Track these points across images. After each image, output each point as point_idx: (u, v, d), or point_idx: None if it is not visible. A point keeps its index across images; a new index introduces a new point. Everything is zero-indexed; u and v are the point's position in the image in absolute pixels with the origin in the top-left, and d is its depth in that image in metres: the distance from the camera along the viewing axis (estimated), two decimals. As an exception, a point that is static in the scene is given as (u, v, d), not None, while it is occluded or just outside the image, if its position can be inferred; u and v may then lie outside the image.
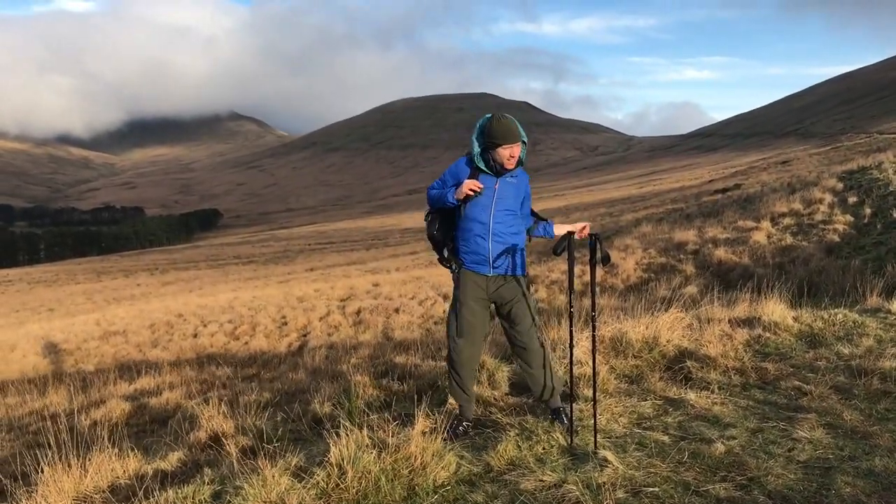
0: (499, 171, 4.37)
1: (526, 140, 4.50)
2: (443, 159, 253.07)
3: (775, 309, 6.68)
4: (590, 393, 4.93)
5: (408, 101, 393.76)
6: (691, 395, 4.76)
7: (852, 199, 20.05)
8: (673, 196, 50.06)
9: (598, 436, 4.18)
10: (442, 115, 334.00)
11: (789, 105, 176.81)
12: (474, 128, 4.44)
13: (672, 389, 5.03)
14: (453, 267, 4.50)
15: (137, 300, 43.78)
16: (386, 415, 5.01)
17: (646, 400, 4.85)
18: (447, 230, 4.53)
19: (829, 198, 21.04)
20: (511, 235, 4.42)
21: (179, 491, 3.78)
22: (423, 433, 3.95)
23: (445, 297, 22.19)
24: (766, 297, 7.34)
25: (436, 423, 4.38)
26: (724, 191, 41.38)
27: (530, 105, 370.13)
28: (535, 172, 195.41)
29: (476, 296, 4.45)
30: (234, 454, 4.33)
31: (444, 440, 4.06)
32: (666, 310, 7.67)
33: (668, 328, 6.10)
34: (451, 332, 4.54)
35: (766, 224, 20.10)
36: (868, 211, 18.20)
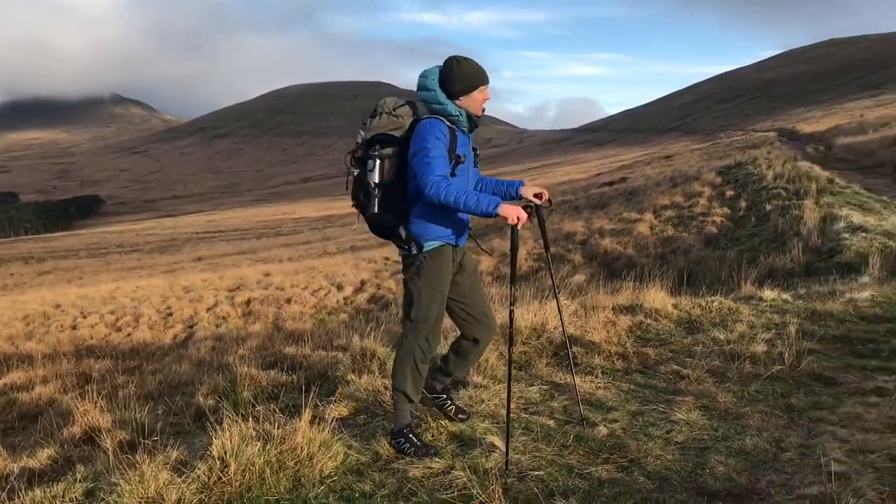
0: (474, 124, 3.90)
1: None
2: (338, 147, 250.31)
3: (656, 297, 6.94)
4: (480, 380, 4.97)
5: (302, 87, 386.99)
6: (575, 381, 4.86)
7: (729, 193, 21.08)
8: (563, 189, 51.31)
9: (487, 421, 4.22)
10: (337, 102, 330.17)
11: (673, 102, 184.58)
12: (427, 81, 3.80)
13: (558, 375, 5.14)
14: (416, 251, 3.82)
15: (10, 291, 41.27)
16: (273, 406, 4.90)
17: (533, 385, 4.93)
18: (399, 207, 3.81)
19: (708, 191, 22.06)
20: None
21: (48, 490, 3.56)
22: (311, 424, 3.86)
23: (339, 287, 21.99)
24: (648, 286, 7.60)
25: (324, 413, 4.31)
26: (610, 184, 42.80)
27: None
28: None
29: (451, 277, 3.94)
30: (111, 449, 4.12)
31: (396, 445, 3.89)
32: (554, 297, 7.86)
33: (555, 315, 6.22)
34: (423, 334, 3.90)
35: (649, 216, 20.88)
36: (744, 204, 19.14)
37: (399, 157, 3.79)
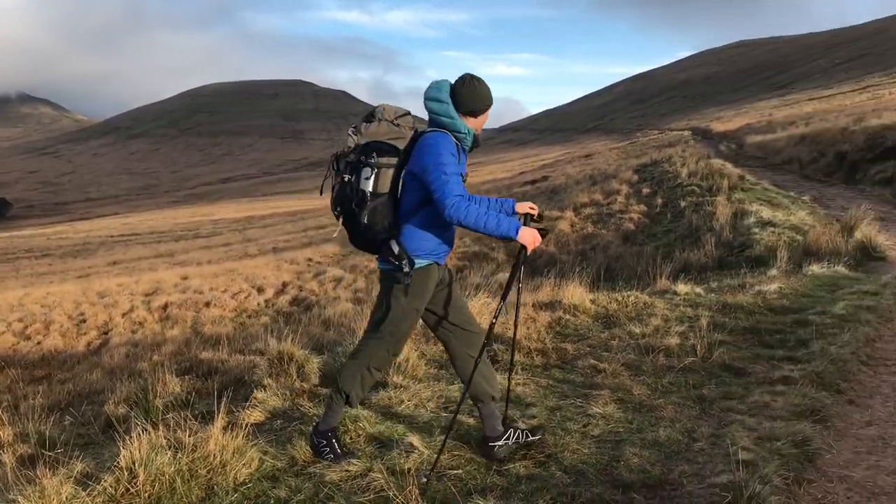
0: (475, 144, 3.78)
1: None
2: (258, 147, 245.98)
3: (575, 293, 7.04)
4: (399, 380, 4.93)
5: (220, 85, 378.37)
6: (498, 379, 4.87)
7: (646, 191, 21.61)
8: (487, 188, 51.72)
9: (406, 422, 4.19)
10: (257, 101, 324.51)
11: (592, 102, 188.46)
12: (441, 93, 3.63)
13: (479, 373, 5.14)
14: (407, 268, 3.60)
15: None
16: (186, 413, 4.73)
17: (454, 384, 4.92)
18: (389, 220, 3.64)
19: (625, 189, 22.56)
20: None
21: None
22: (224, 430, 3.75)
23: (260, 290, 21.59)
24: (568, 282, 7.71)
25: (239, 419, 4.20)
26: (533, 182, 43.41)
27: (348, 94, 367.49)
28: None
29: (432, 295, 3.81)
30: (11, 464, 3.92)
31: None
32: (475, 295, 7.89)
33: (476, 313, 6.23)
34: (388, 346, 3.81)
35: (569, 214, 21.21)
36: (660, 201, 19.64)
37: (397, 168, 3.65)
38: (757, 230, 12.63)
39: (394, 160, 3.63)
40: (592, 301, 7.00)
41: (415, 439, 3.81)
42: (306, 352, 5.57)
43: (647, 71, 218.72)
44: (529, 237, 3.55)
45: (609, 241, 17.82)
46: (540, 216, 3.97)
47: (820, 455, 3.72)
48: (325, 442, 3.79)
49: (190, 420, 4.32)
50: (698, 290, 7.62)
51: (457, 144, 3.65)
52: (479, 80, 3.70)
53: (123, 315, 20.99)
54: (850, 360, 5.11)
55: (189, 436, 3.66)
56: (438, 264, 3.78)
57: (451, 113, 3.61)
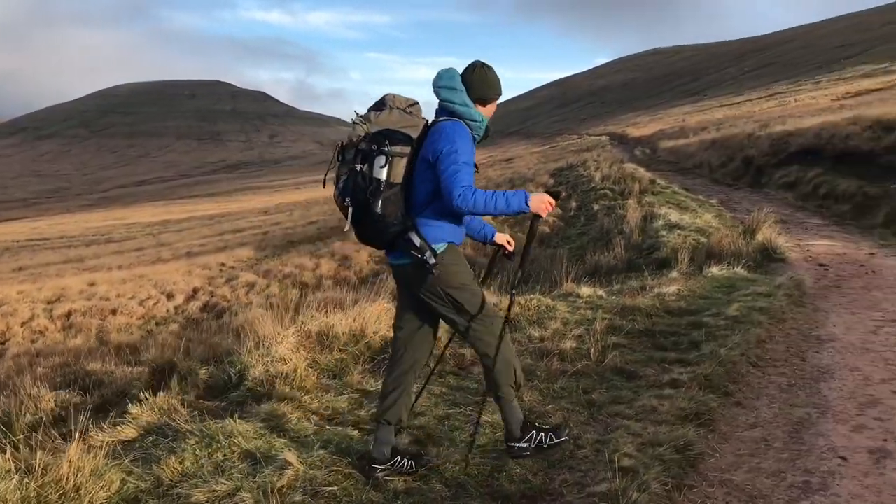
0: (487, 134, 3.71)
1: None
2: (175, 148, 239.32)
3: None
4: (286, 390, 4.73)
5: (135, 85, 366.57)
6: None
7: (562, 194, 21.82)
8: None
9: (286, 437, 4.00)
10: (173, 101, 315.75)
11: (514, 107, 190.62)
12: (454, 80, 3.58)
13: (370, 382, 5.00)
14: (433, 258, 3.47)
15: None
16: (55, 432, 4.43)
17: (343, 394, 4.76)
18: (403, 211, 3.50)
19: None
20: None
21: None
22: (86, 450, 3.49)
23: (169, 296, 20.89)
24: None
25: (105, 436, 3.93)
26: (454, 185, 43.43)
27: (267, 95, 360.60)
28: (274, 165, 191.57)
29: None
30: None
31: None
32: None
33: (376, 319, 6.09)
34: (497, 317, 3.72)
35: (487, 218, 21.25)
36: (574, 204, 19.86)
37: (409, 158, 3.53)
38: (664, 233, 12.85)
39: (407, 149, 3.51)
40: (495, 306, 6.92)
41: (292, 455, 3.61)
42: (192, 362, 5.30)
43: (568, 76, 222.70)
44: (542, 205, 3.52)
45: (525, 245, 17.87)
46: (512, 254, 3.95)
47: (702, 459, 3.72)
48: (526, 436, 3.61)
49: (57, 439, 4.03)
50: (601, 292, 7.65)
51: (471, 134, 3.58)
52: (489, 67, 3.66)
53: (23, 324, 19.98)
54: (740, 362, 5.17)
55: (41, 457, 3.38)
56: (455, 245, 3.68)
57: (466, 101, 3.56)
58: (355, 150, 3.51)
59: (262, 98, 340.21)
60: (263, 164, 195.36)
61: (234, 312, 17.95)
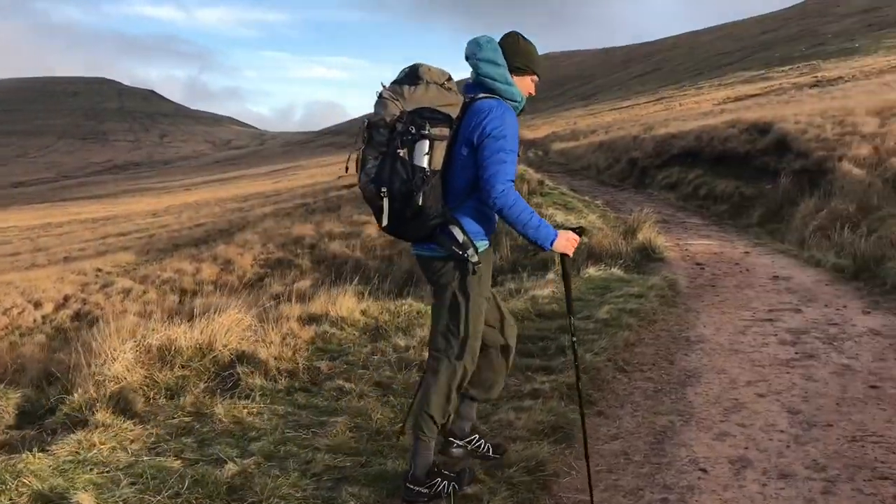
0: (520, 112, 3.36)
1: None
2: (57, 148, 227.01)
3: (345, 304, 6.55)
4: (104, 416, 4.19)
5: (13, 81, 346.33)
6: (220, 410, 4.26)
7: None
8: (303, 192, 50.53)
9: (93, 471, 3.48)
10: (55, 99, 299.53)
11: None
12: (495, 53, 3.24)
13: (207, 402, 4.51)
14: (475, 256, 3.15)
15: None
16: None
17: (174, 418, 4.26)
18: (442, 202, 3.12)
19: (434, 192, 22.54)
20: None
21: None
22: None
23: (37, 304, 19.49)
24: (342, 292, 7.23)
25: None
26: (349, 186, 42.79)
27: (156, 94, 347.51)
28: (164, 165, 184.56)
29: None
30: None
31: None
32: (277, 306, 7.23)
33: (227, 331, 5.60)
34: (473, 348, 3.34)
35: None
36: (465, 206, 19.69)
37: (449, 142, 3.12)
38: (550, 233, 12.77)
39: (447, 131, 3.10)
40: (363, 312, 6.55)
41: (85, 496, 3.11)
42: (2, 386, 4.68)
43: (462, 79, 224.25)
44: (567, 243, 3.22)
45: (414, 246, 17.61)
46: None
47: (556, 480, 3.45)
48: (430, 482, 3.27)
49: None
50: (476, 296, 7.38)
51: (516, 118, 3.25)
52: (523, 39, 3.38)
53: None
54: (606, 368, 4.97)
55: None
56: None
57: (508, 78, 3.23)
58: (390, 131, 3.07)
59: (151, 96, 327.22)
60: (153, 165, 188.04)
61: (106, 321, 16.91)
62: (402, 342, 5.65)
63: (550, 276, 8.42)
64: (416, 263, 3.44)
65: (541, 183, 19.93)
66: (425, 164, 3.04)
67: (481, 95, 3.23)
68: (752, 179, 16.30)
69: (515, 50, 3.33)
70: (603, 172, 24.53)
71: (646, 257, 10.25)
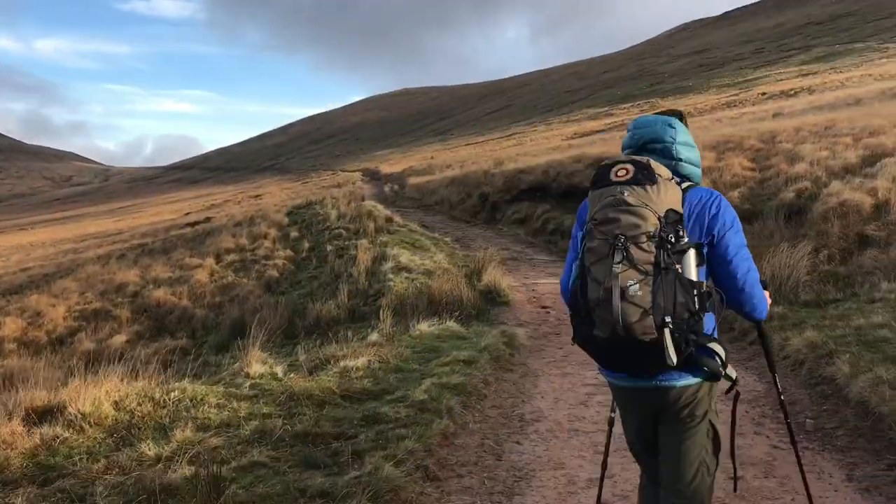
0: None
1: None
2: None
3: (90, 393, 4.99)
4: None
5: None
6: None
7: (294, 234, 20.29)
8: (144, 230, 47.25)
9: None
10: None
11: (267, 142, 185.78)
12: (689, 137, 2.74)
13: None
14: (734, 373, 2.60)
15: None
16: None
17: None
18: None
19: (273, 232, 21.04)
20: None
21: None
22: None
23: None
24: (104, 369, 5.67)
25: None
26: (194, 224, 40.19)
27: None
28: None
29: None
30: None
31: None
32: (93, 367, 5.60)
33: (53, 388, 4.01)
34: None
35: (210, 261, 19.10)
36: (307, 245, 18.50)
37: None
38: (392, 276, 11.79)
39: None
40: (117, 404, 5.02)
41: None
42: None
43: (322, 112, 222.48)
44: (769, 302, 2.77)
45: (250, 291, 16.12)
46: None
47: None
48: None
49: None
50: (278, 368, 6.03)
51: None
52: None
53: None
54: (410, 481, 3.76)
55: None
56: None
57: (699, 160, 2.78)
58: (658, 243, 2.37)
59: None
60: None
61: None
62: (151, 450, 4.22)
63: (374, 336, 7.16)
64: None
65: (389, 220, 18.94)
66: (693, 276, 2.45)
67: (688, 185, 2.67)
68: (598, 215, 15.97)
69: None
70: (455, 207, 23.86)
71: (490, 301, 9.45)
